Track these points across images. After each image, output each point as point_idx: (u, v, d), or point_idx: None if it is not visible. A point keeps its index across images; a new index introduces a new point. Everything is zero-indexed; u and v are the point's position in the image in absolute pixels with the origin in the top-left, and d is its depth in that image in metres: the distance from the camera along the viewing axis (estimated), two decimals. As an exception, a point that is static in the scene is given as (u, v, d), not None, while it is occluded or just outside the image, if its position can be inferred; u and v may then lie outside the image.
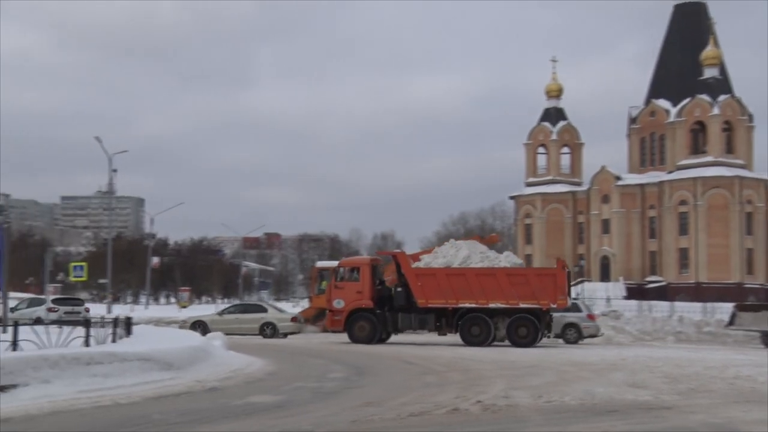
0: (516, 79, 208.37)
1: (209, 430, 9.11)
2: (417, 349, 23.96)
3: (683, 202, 78.32)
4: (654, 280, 79.23)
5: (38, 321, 28.00)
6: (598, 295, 58.98)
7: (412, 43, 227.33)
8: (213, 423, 9.52)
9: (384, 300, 27.07)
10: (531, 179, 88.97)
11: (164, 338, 17.77)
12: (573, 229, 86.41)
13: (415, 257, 28.79)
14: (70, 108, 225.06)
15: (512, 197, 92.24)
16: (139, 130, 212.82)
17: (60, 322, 17.19)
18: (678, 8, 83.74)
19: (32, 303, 37.65)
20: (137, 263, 80.00)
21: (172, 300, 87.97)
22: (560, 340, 29.04)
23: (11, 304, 44.57)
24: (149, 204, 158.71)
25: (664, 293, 70.59)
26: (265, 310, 32.68)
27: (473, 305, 25.76)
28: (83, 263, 52.88)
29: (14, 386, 10.82)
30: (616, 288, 72.60)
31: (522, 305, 25.43)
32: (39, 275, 69.62)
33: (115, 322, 17.21)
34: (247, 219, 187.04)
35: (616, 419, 9.92)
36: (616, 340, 31.49)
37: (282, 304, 54.95)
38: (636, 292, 70.59)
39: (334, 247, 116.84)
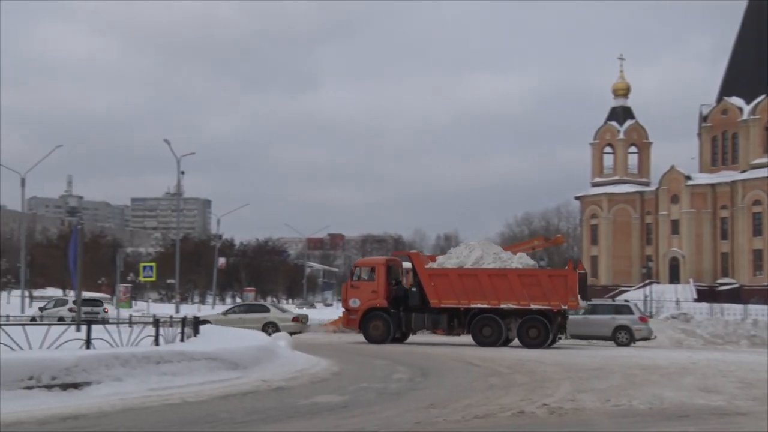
0: (581, 78, 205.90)
1: (276, 429, 9.21)
2: (479, 350, 23.79)
3: (757, 202, 76.14)
4: (726, 283, 77.21)
5: (61, 320, 29.90)
6: (667, 297, 57.72)
7: (475, 43, 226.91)
8: (279, 422, 9.61)
9: (399, 300, 27.29)
10: (597, 179, 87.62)
11: (231, 338, 18.00)
12: (640, 230, 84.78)
13: (432, 258, 28.96)
14: (139, 111, 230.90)
15: (578, 197, 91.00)
16: (205, 132, 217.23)
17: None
18: (753, 2, 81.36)
19: (57, 303, 39.53)
20: (204, 264, 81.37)
21: (238, 300, 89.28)
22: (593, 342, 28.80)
23: (41, 303, 46.52)
24: (215, 205, 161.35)
25: (737, 296, 68.68)
26: (267, 310, 33.31)
27: (485, 306, 25.85)
28: (152, 264, 54.04)
29: (88, 383, 11.11)
30: (686, 290, 70.98)
31: (533, 306, 25.37)
32: (110, 276, 71.48)
33: (183, 321, 17.55)
34: (310, 220, 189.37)
35: (688, 424, 9.67)
36: (686, 344, 30.74)
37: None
38: (707, 295, 68.84)
39: (397, 247, 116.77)
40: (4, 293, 72.39)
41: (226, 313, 33.89)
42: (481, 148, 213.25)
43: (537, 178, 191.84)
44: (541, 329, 25.41)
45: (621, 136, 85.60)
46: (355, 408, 10.85)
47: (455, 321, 26.50)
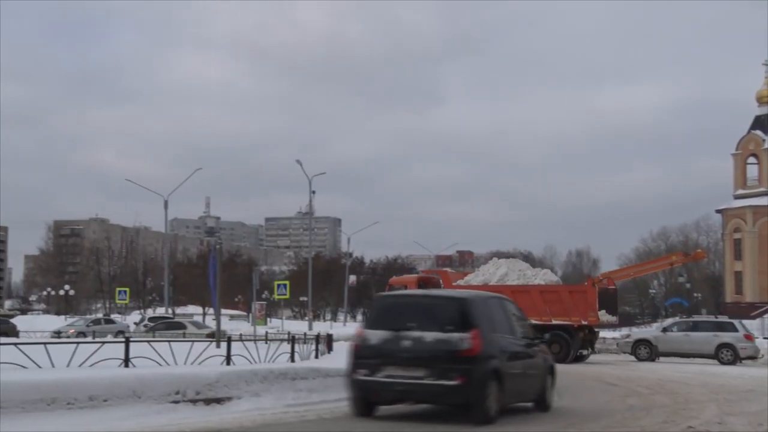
0: (719, 85, 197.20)
1: (410, 447, 9.17)
2: (617, 369, 23.03)
3: None
4: None
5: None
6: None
7: (604, 52, 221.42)
8: (414, 440, 9.57)
9: None
10: (740, 191, 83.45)
11: (364, 355, 18.14)
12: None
13: (463, 275, 29.53)
14: (272, 134, 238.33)
15: (719, 211, 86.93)
16: (334, 152, 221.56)
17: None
18: None
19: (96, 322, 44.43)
20: (335, 281, 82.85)
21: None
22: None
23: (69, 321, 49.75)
24: (345, 224, 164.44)
25: None
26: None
27: None
28: (286, 282, 55.49)
29: (229, 399, 11.47)
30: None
31: (554, 322, 25.74)
32: (246, 293, 73.91)
33: (317, 339, 17.89)
34: (439, 237, 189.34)
35: None
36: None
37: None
38: None
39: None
40: (150, 311, 76.23)
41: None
42: (613, 161, 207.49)
43: (673, 191, 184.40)
44: (563, 344, 25.61)
45: (766, 145, 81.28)
46: (493, 426, 10.67)
47: None
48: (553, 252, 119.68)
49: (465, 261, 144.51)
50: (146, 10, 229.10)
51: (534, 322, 24.52)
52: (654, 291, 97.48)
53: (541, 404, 12.17)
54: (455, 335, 10.17)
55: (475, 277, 28.56)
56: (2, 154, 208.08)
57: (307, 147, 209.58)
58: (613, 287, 28.93)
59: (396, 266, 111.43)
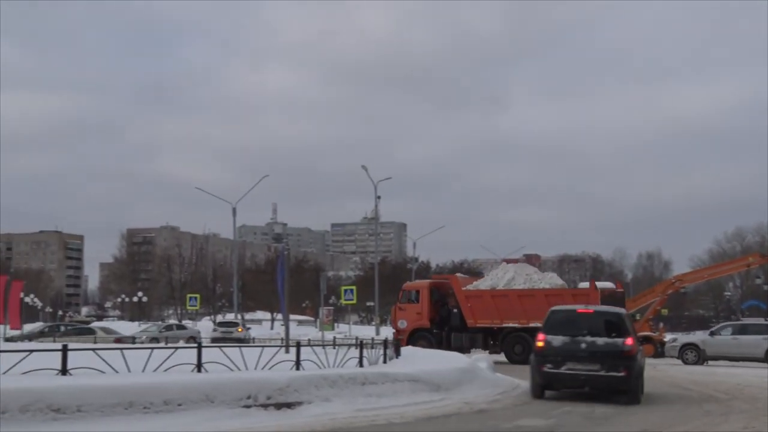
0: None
1: (481, 452, 9.13)
2: (692, 374, 22.48)
3: None
4: None
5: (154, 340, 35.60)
6: None
7: (676, 50, 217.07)
8: (484, 445, 9.52)
9: (444, 321, 28.69)
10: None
11: (431, 359, 18.15)
12: None
13: (470, 281, 30.07)
14: (337, 139, 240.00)
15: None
16: (399, 157, 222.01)
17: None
18: None
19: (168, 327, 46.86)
20: (401, 286, 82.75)
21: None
22: None
23: (142, 327, 51.09)
24: (411, 228, 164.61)
25: None
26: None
27: (516, 325, 26.96)
28: (353, 287, 55.74)
29: (299, 403, 11.59)
30: None
31: None
32: (314, 299, 74.57)
33: (385, 343, 17.91)
34: (506, 240, 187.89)
35: None
36: None
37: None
38: None
39: (596, 267, 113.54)
40: (220, 317, 77.51)
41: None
42: (685, 163, 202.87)
43: (748, 192, 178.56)
44: None
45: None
46: (561, 432, 10.58)
47: (490, 339, 27.65)
48: (622, 254, 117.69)
49: (532, 264, 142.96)
50: (214, 22, 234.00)
51: (539, 324, 25.17)
52: (729, 293, 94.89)
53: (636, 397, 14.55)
54: (619, 340, 14.39)
55: (483, 282, 29.16)
56: (78, 164, 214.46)
57: (372, 152, 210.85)
58: (621, 290, 29.18)
59: (462, 270, 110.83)
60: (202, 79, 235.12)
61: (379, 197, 58.57)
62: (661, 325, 41.95)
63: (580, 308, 16.98)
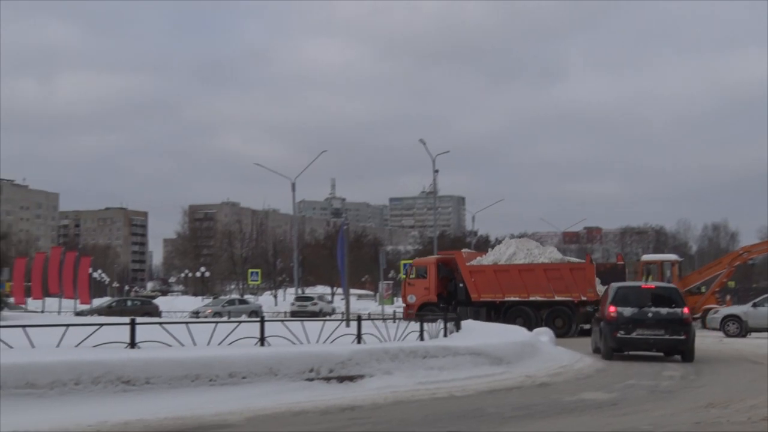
0: None
1: (544, 425, 9.10)
2: (760, 347, 21.96)
3: None
4: None
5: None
6: None
7: (733, 21, 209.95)
8: (547, 419, 9.49)
9: (451, 295, 29.56)
10: None
11: (492, 333, 18.11)
12: None
13: (474, 256, 30.78)
14: (392, 114, 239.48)
15: None
16: (456, 130, 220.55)
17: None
18: None
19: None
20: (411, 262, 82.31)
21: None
22: None
23: (205, 301, 52.00)
24: (469, 202, 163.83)
25: None
26: None
27: (517, 299, 27.98)
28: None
29: (361, 377, 11.69)
30: None
31: (557, 298, 27.36)
32: (373, 273, 74.93)
33: (445, 317, 17.93)
34: (566, 213, 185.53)
35: None
36: None
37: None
38: None
39: (659, 239, 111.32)
40: (281, 291, 78.54)
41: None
42: (750, 131, 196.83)
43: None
44: (566, 319, 27.20)
45: None
46: (625, 406, 10.45)
47: (493, 313, 28.16)
48: (687, 226, 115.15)
49: (593, 237, 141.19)
50: (267, 1, 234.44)
51: (539, 298, 27.51)
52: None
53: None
54: (678, 309, 17.33)
55: (486, 258, 29.93)
56: (140, 143, 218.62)
57: (429, 126, 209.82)
58: (621, 263, 30.15)
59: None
60: (258, 57, 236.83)
61: (437, 171, 58.17)
62: (728, 297, 41.06)
63: (645, 284, 19.67)
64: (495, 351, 14.46)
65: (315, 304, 51.69)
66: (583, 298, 27.19)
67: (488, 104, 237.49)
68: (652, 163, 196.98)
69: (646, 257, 40.70)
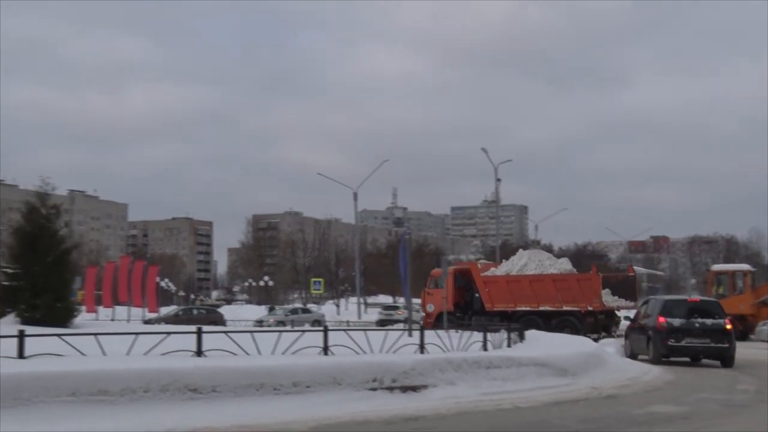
0: None
1: (612, 439, 8.92)
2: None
3: None
4: None
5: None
6: None
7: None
8: (615, 432, 9.30)
9: (468, 305, 30.41)
10: None
11: (556, 343, 17.87)
12: None
13: (487, 267, 31.57)
14: (454, 122, 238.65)
15: None
16: (517, 138, 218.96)
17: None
18: None
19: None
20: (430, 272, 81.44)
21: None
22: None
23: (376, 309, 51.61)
24: (532, 211, 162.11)
25: None
26: None
27: (528, 308, 28.63)
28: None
29: (424, 386, 11.64)
30: None
31: (565, 308, 28.06)
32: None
33: (509, 327, 17.76)
34: (631, 222, 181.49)
35: None
36: None
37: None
38: None
39: (729, 249, 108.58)
40: (343, 300, 78.92)
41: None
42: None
43: None
44: (573, 328, 27.29)
45: None
46: (697, 420, 10.18)
47: (505, 322, 28.15)
48: (759, 235, 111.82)
49: (660, 246, 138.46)
50: (329, 10, 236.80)
51: (549, 308, 28.13)
52: None
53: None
54: (721, 320, 19.19)
55: (500, 268, 30.84)
56: (205, 153, 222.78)
57: (491, 134, 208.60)
58: (632, 275, 30.67)
59: (586, 253, 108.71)
60: (319, 67, 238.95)
61: (499, 180, 58.01)
62: None
63: (690, 298, 22.55)
64: (560, 362, 14.26)
65: (401, 313, 51.93)
66: (590, 308, 27.83)
67: (551, 111, 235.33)
68: (722, 170, 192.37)
69: (716, 267, 39.75)
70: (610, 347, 19.29)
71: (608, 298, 28.31)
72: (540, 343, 17.85)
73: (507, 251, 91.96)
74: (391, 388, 11.31)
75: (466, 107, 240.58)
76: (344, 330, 14.70)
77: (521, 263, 30.49)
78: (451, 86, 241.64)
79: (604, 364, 16.04)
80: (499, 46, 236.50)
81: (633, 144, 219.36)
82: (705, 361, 19.84)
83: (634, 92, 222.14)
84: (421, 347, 13.54)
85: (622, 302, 28.71)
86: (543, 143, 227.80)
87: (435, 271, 34.54)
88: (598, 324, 28.07)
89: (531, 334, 20.79)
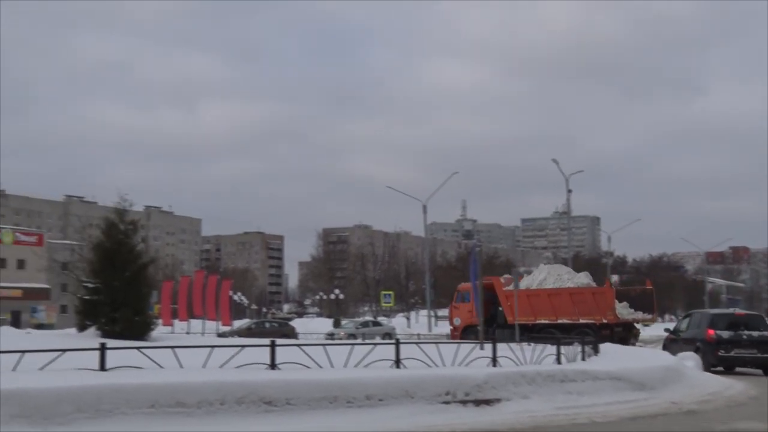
0: None
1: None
2: None
3: None
4: None
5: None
6: None
7: None
8: (696, 449, 9.03)
9: (492, 318, 30.73)
10: None
11: (632, 357, 17.48)
12: None
13: (509, 282, 30.89)
14: (523, 134, 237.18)
15: None
16: (588, 148, 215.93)
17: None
18: None
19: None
20: (596, 281, 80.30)
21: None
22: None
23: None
24: (604, 222, 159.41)
25: None
26: None
27: (547, 321, 29.12)
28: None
29: (498, 400, 11.52)
30: None
31: (581, 320, 28.46)
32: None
33: (583, 340, 17.44)
34: (708, 232, 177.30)
35: None
36: None
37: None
38: None
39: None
40: (413, 313, 78.81)
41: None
42: None
43: None
44: None
45: None
46: (783, 437, 9.81)
47: (526, 336, 28.52)
48: None
49: (740, 257, 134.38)
50: (394, 24, 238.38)
51: (566, 321, 28.69)
52: None
53: None
54: (766, 333, 20.85)
55: (522, 283, 30.80)
56: (275, 168, 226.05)
57: (560, 145, 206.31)
58: (650, 288, 31.11)
59: (661, 264, 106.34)
60: (385, 81, 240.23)
61: (570, 191, 57.17)
62: None
63: (738, 312, 23.83)
64: (637, 376, 13.94)
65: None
66: (604, 321, 28.32)
67: (623, 121, 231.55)
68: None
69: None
70: (690, 360, 18.74)
71: (624, 311, 29.02)
72: (615, 356, 17.49)
73: (579, 263, 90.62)
74: (464, 402, 11.23)
75: (534, 118, 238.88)
76: (416, 343, 14.66)
77: (540, 277, 31.35)
78: (519, 97, 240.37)
79: (684, 378, 15.61)
80: (567, 55, 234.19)
81: (709, 153, 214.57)
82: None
83: (709, 100, 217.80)
84: (494, 360, 13.40)
85: (639, 315, 29.32)
86: (615, 153, 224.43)
87: (461, 285, 35.51)
88: (615, 336, 28.27)
89: (606, 347, 20.38)
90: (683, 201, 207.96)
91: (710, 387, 15.44)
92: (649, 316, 29.69)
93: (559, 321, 29.16)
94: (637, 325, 30.24)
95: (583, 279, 31.11)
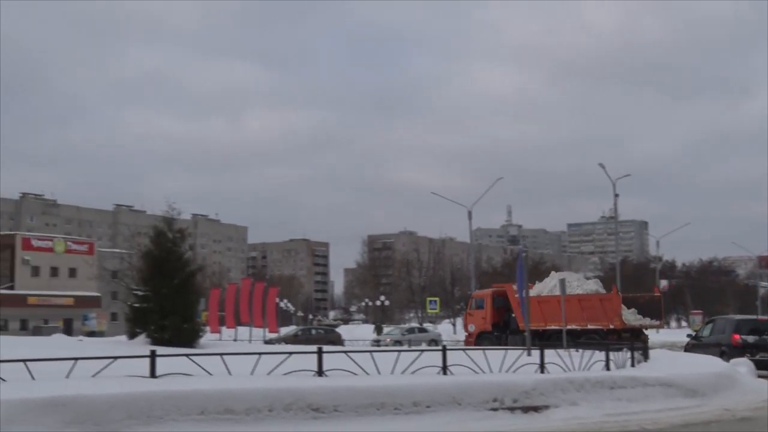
0: None
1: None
2: None
3: None
4: None
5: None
6: None
7: None
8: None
9: (505, 324, 31.56)
10: None
11: (683, 363, 17.19)
12: None
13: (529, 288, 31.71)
14: (568, 138, 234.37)
15: None
16: (634, 151, 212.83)
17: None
18: None
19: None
20: (644, 286, 79.23)
21: (683, 324, 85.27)
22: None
23: (385, 330, 50.16)
24: (653, 226, 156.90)
25: None
26: None
27: (556, 327, 28.63)
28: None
29: (546, 407, 11.43)
30: None
31: (590, 326, 28.71)
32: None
33: (632, 346, 17.21)
34: (760, 236, 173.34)
35: None
36: None
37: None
38: None
39: None
40: (459, 319, 78.46)
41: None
42: None
43: None
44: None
45: None
46: (841, 446, 9.56)
47: (537, 341, 28.23)
48: None
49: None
50: (436, 30, 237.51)
51: (575, 327, 28.63)
52: None
53: None
54: None
55: (533, 290, 30.74)
56: (320, 175, 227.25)
57: (605, 149, 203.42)
58: (658, 295, 31.54)
59: (712, 269, 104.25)
60: (428, 87, 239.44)
61: (617, 195, 56.34)
62: None
63: (761, 318, 25.26)
64: (688, 382, 13.73)
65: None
66: (611, 327, 28.61)
67: (670, 124, 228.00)
68: None
69: None
70: (743, 367, 18.34)
71: (632, 317, 29.40)
72: (665, 362, 17.24)
73: (627, 268, 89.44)
74: (512, 409, 11.17)
75: (578, 122, 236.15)
76: (462, 349, 14.61)
77: (551, 284, 31.55)
78: (563, 101, 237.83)
79: (737, 385, 15.31)
80: (612, 58, 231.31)
81: (757, 154, 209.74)
82: None
83: (759, 102, 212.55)
84: (542, 367, 13.30)
85: (647, 321, 29.64)
86: (662, 157, 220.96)
87: (475, 293, 36.33)
88: (620, 341, 28.15)
89: (656, 353, 20.12)
90: (733, 204, 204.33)
91: (764, 393, 15.10)
92: (657, 323, 30.04)
93: (569, 327, 29.16)
94: (646, 332, 30.48)
95: (592, 286, 31.57)
